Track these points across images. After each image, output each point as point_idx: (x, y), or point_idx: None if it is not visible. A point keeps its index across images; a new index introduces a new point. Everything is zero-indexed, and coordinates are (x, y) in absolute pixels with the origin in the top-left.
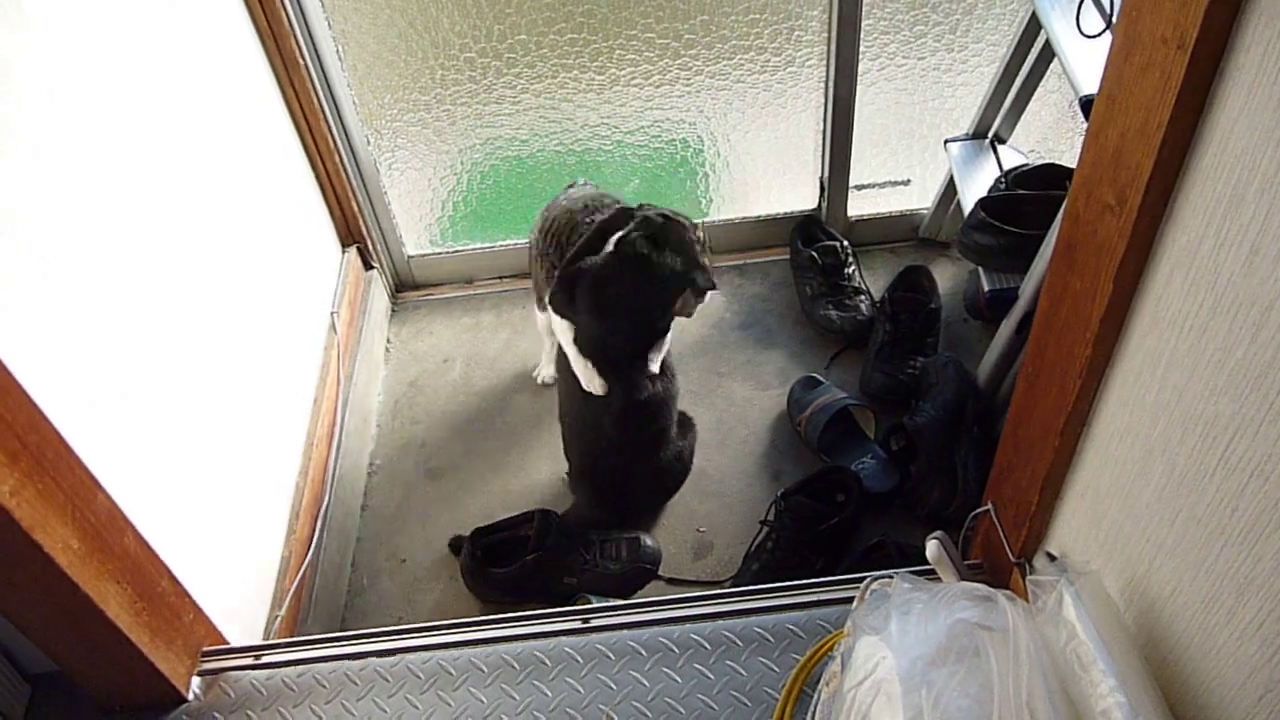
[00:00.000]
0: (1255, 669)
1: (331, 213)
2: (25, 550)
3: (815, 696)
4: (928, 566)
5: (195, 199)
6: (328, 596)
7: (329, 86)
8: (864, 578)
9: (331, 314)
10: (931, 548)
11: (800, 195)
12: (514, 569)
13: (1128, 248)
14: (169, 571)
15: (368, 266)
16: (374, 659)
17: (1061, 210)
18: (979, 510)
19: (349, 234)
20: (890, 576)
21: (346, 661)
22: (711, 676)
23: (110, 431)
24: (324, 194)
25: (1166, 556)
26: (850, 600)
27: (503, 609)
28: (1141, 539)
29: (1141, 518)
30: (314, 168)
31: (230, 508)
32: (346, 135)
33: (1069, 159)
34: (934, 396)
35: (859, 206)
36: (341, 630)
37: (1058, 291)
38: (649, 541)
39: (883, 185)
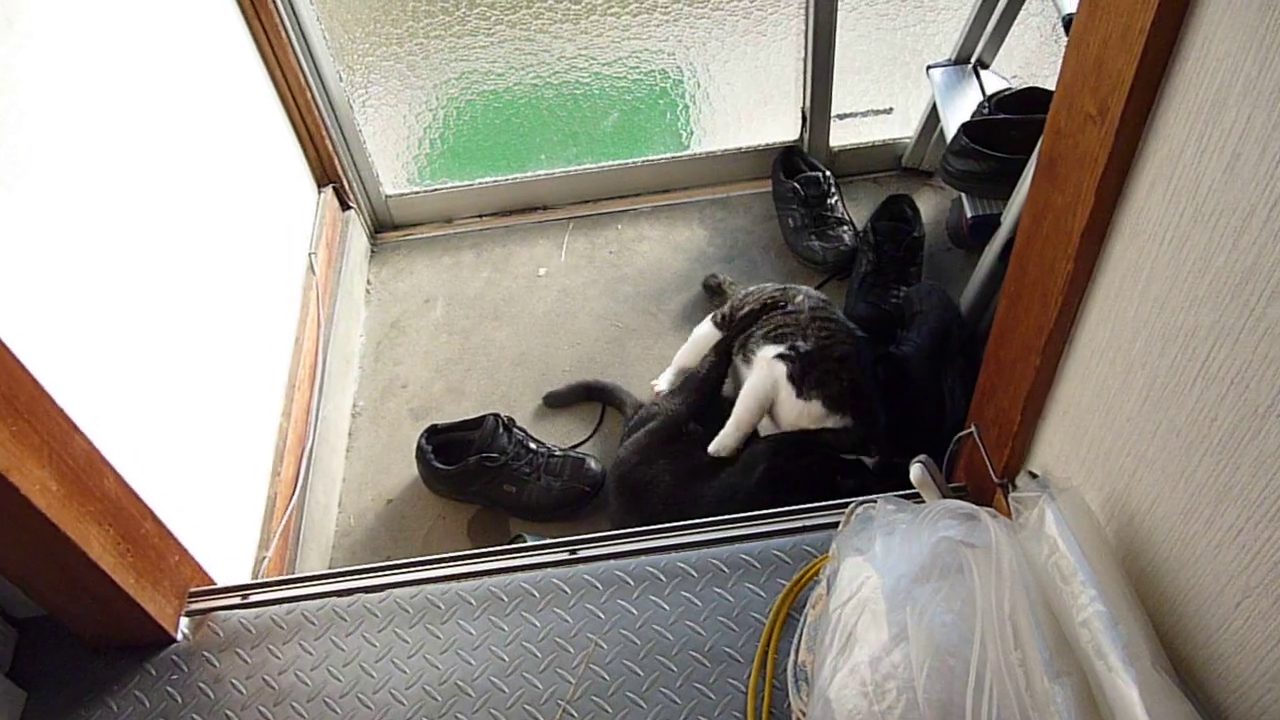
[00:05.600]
0: (1232, 576)
1: (305, 151)
2: (2, 493)
3: (802, 620)
4: (913, 491)
5: (165, 138)
6: (315, 537)
7: (298, 20)
8: (849, 503)
9: (309, 255)
10: (915, 471)
11: (782, 126)
12: (456, 467)
13: (1109, 159)
14: (152, 514)
15: (345, 207)
16: (362, 595)
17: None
18: (962, 433)
19: (324, 174)
20: (874, 501)
21: (335, 598)
22: (699, 603)
23: (87, 377)
24: (297, 132)
25: (1146, 469)
26: (835, 525)
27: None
28: (1122, 453)
29: (1122, 432)
30: (285, 105)
31: (212, 450)
32: (318, 71)
33: (1052, 83)
34: (919, 325)
35: (841, 136)
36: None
37: (1039, 208)
38: (593, 465)
39: (865, 114)
